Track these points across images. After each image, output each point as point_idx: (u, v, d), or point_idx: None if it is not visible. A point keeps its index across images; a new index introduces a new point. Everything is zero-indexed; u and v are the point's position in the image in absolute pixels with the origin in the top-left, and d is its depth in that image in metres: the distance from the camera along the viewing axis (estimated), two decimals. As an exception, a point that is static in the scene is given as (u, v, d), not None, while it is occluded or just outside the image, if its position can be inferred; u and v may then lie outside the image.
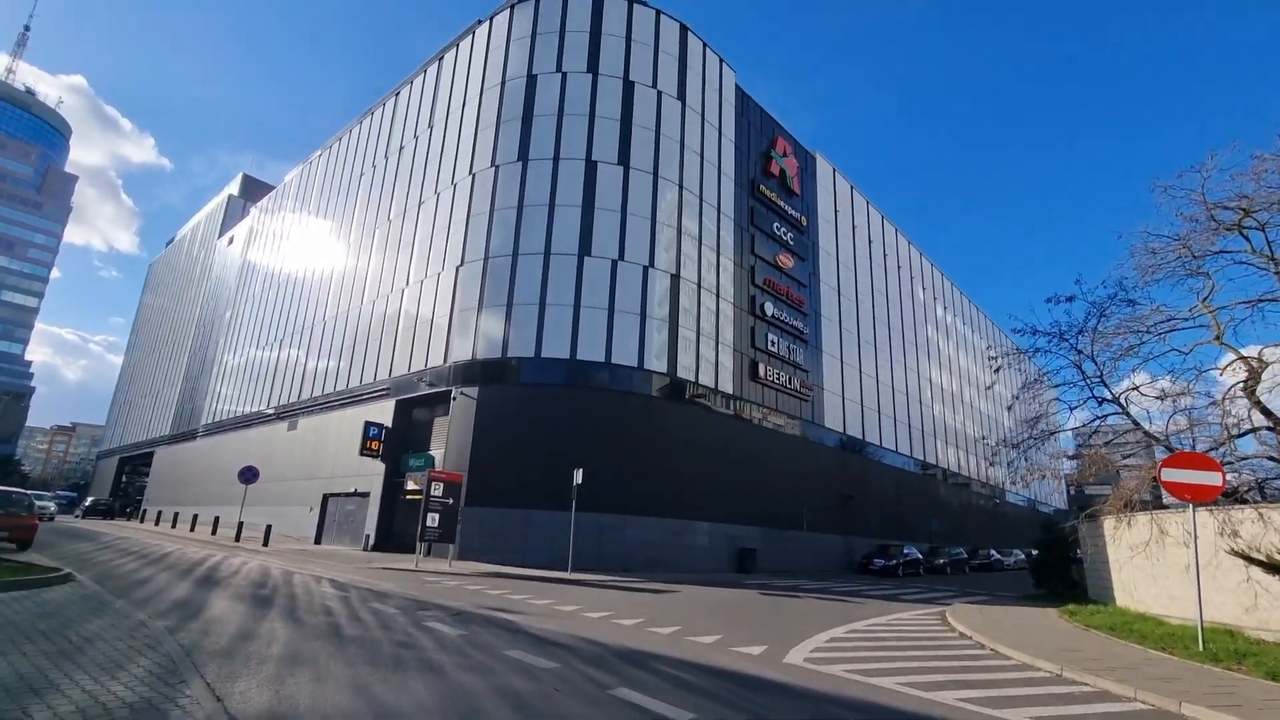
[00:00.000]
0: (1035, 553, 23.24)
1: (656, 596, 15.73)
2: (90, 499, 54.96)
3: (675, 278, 26.61)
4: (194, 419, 50.45)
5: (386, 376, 29.23)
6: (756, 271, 31.60)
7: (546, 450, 23.13)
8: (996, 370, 18.20)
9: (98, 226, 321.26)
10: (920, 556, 33.02)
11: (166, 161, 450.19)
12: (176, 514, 37.67)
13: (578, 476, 20.45)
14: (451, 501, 20.46)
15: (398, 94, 36.54)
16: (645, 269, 25.81)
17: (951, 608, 15.69)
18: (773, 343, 31.43)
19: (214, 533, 30.10)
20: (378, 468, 27.54)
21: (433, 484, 20.08)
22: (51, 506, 35.85)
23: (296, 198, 46.65)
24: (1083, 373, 17.86)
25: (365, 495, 28.00)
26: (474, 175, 27.69)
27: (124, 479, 68.53)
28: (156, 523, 38.87)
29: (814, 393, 34.04)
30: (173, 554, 19.17)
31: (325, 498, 30.77)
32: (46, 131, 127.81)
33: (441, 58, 33.12)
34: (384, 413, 28.36)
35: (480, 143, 28.04)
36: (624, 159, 26.58)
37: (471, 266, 26.34)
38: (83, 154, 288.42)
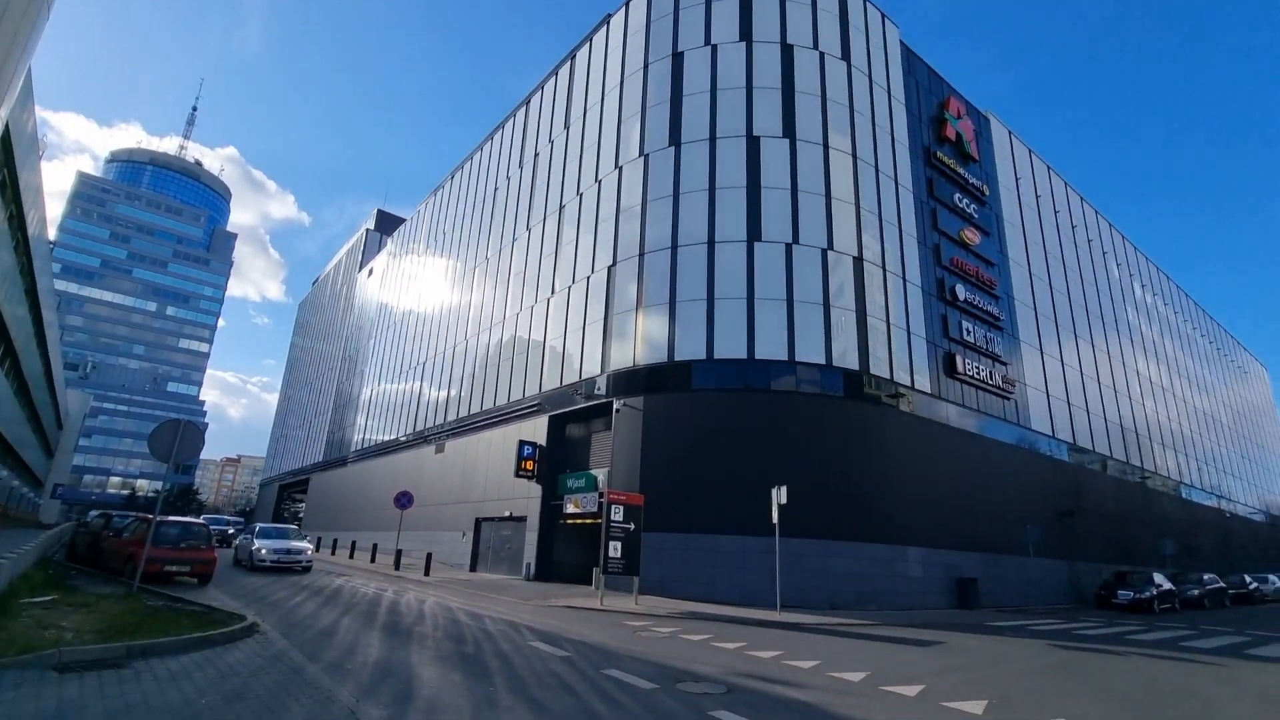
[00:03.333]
0: None
1: (928, 652, 11.96)
2: (257, 525, 58.37)
3: (858, 260, 22.80)
4: (344, 446, 52.18)
5: (537, 392, 27.42)
6: (942, 250, 27.03)
7: (728, 466, 19.98)
8: None
9: (251, 279, 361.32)
10: (1172, 587, 26.51)
11: (305, 216, 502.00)
12: (335, 540, 38.10)
13: (780, 495, 17.07)
14: (633, 527, 17.72)
15: (528, 103, 35.56)
16: (823, 252, 22.24)
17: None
18: (968, 331, 26.63)
19: (373, 560, 29.48)
20: (534, 490, 25.59)
21: (613, 507, 17.45)
22: (308, 550, 22.05)
23: (431, 223, 47.30)
24: None
25: (521, 520, 26.13)
26: (620, 168, 25.47)
27: (283, 505, 73.11)
28: (316, 549, 39.58)
29: (1016, 389, 28.64)
30: (344, 589, 17.72)
31: (478, 522, 29.37)
32: (211, 197, 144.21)
33: (573, 56, 31.61)
34: (536, 430, 26.48)
35: (625, 133, 25.84)
36: (789, 130, 23.29)
37: (625, 265, 23.95)
38: (238, 215, 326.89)
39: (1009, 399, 28.12)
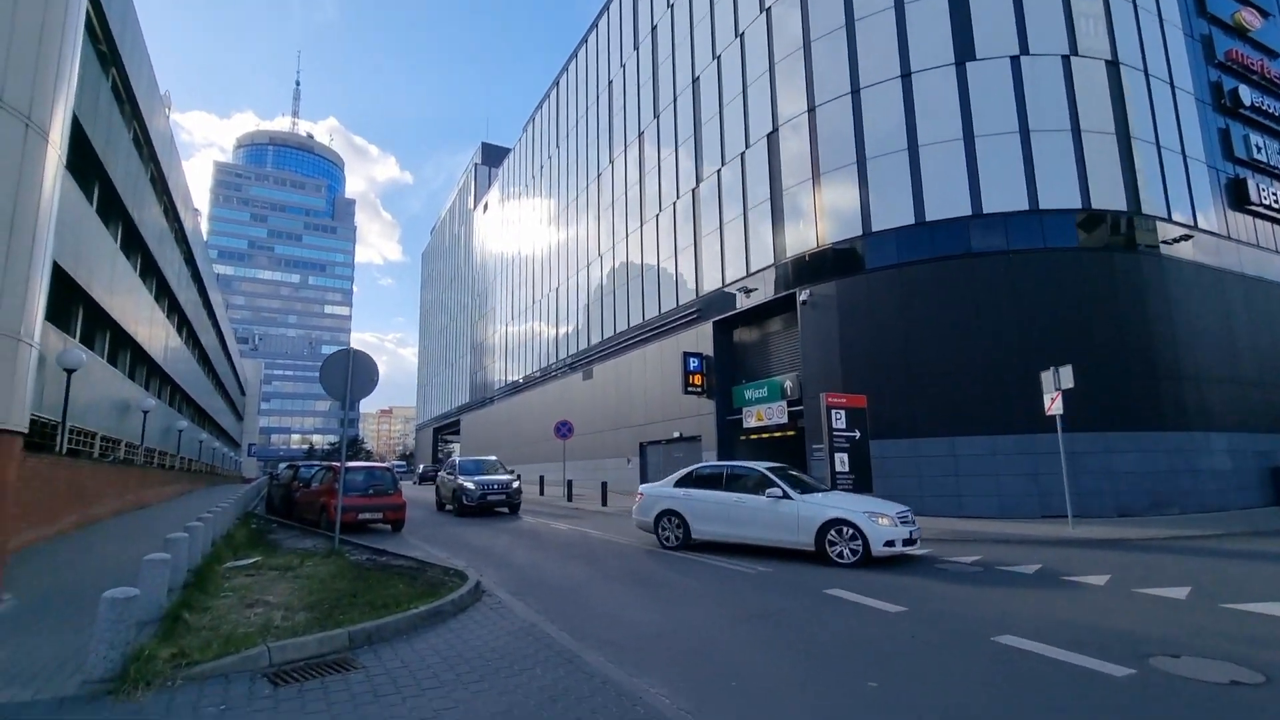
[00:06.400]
0: None
1: None
2: (421, 466, 61.99)
3: (1113, 65, 17.04)
4: (488, 385, 52.97)
5: (694, 298, 24.44)
6: (1214, 42, 20.14)
7: (960, 353, 16.06)
8: None
9: (370, 242, 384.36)
10: None
11: (408, 175, 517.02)
12: (497, 475, 38.52)
13: (1060, 379, 13.06)
14: (858, 435, 14.58)
15: (633, -29, 30.93)
16: (1064, 60, 16.74)
17: None
18: (1258, 148, 19.96)
19: (542, 493, 28.85)
20: (705, 406, 23.08)
21: (833, 413, 14.34)
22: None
23: (541, 141, 44.59)
24: None
25: (694, 440, 23.86)
26: (768, 9, 20.80)
27: (437, 446, 77.62)
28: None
29: (1324, 220, 21.63)
30: (536, 528, 16.20)
31: (642, 447, 27.62)
32: (327, 167, 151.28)
33: (681, -106, 26.42)
34: (699, 340, 23.68)
35: (768, -37, 20.96)
36: (999, -97, 17.41)
37: (791, 127, 19.75)
38: (349, 183, 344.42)
39: (1315, 233, 21.28)
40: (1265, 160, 19.93)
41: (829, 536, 9.36)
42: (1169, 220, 16.99)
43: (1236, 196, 19.19)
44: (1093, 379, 14.98)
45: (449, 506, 18.78)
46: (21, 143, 6.41)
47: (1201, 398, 16.33)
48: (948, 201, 16.67)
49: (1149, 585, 7.76)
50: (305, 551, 10.63)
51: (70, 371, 12.88)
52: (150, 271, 22.88)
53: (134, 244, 20.25)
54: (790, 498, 9.96)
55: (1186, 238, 17.03)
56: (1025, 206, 16.14)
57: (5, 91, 6.23)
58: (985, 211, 16.35)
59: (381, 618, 5.96)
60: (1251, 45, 21.15)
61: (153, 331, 23.15)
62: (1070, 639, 5.58)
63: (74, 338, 15.00)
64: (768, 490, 10.17)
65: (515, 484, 18.35)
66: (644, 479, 27.50)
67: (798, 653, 5.45)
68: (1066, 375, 12.94)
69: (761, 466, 10.81)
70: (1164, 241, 16.81)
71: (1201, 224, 17.91)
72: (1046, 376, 13.39)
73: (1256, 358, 17.98)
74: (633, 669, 4.96)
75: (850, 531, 9.21)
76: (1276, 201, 19.80)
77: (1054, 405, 13.21)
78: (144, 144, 20.59)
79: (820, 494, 10.43)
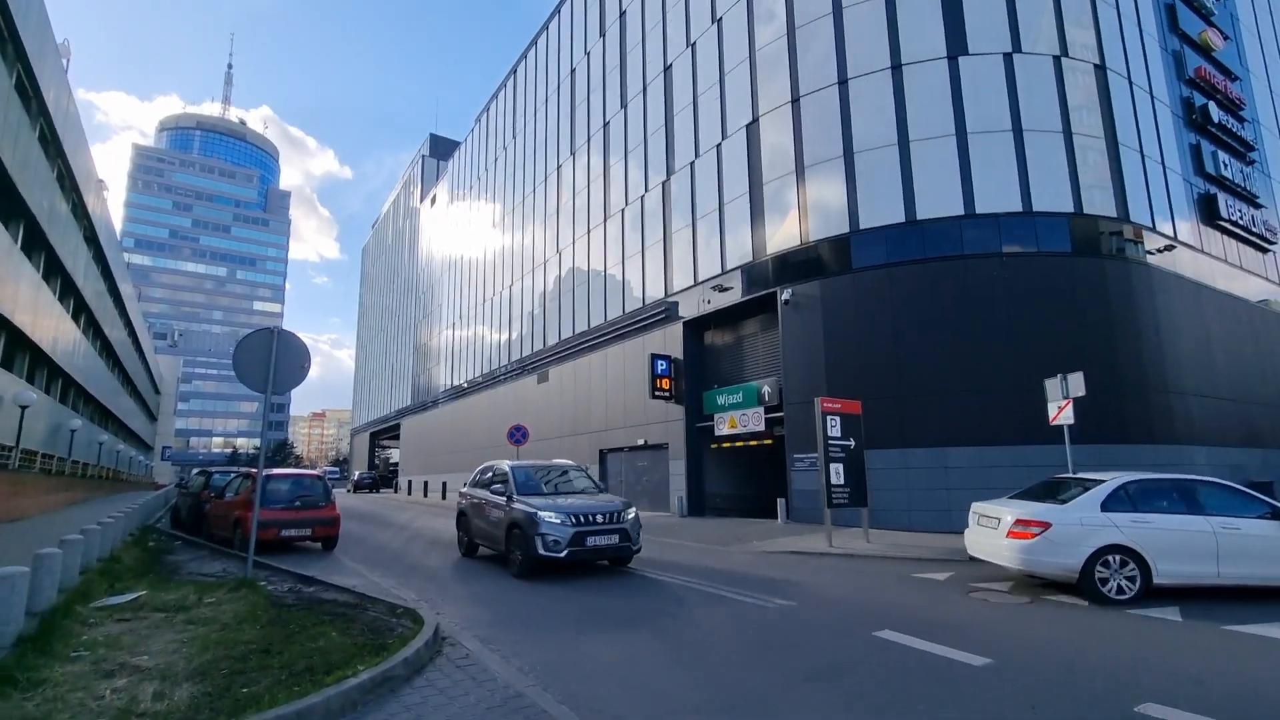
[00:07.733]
0: None
1: None
2: (357, 474, 58.09)
3: (1100, 70, 16.72)
4: (432, 387, 50.03)
5: (661, 296, 23.01)
6: (1185, 59, 20.30)
7: (951, 360, 15.25)
8: None
9: (306, 238, 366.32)
10: None
11: (348, 170, 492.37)
12: (445, 483, 36.01)
13: (1069, 386, 12.23)
14: (854, 444, 13.41)
15: (601, -45, 29.51)
16: (1056, 60, 16.28)
17: None
18: (1225, 165, 20.19)
19: (490, 503, 26.78)
20: (673, 412, 21.64)
21: (828, 419, 13.11)
22: None
23: (498, 131, 42.38)
24: None
25: (661, 448, 22.37)
26: (750, -6, 19.76)
27: (375, 452, 73.36)
28: (424, 494, 37.80)
29: (1278, 240, 22.20)
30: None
31: (603, 454, 25.93)
32: (261, 157, 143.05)
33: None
34: (667, 342, 22.27)
35: (751, -54, 19.92)
36: (992, -105, 16.90)
37: (773, 119, 18.66)
38: (284, 175, 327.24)
39: (1268, 251, 21.79)
40: (1231, 179, 20.17)
41: None
42: (1153, 230, 16.74)
43: (1208, 211, 19.30)
44: (1087, 389, 14.37)
45: (487, 550, 11.08)
46: None
47: (1187, 411, 16.04)
48: (939, 200, 15.89)
49: (1235, 621, 6.70)
50: (209, 581, 8.52)
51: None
52: (38, 246, 19.73)
53: (15, 211, 17.24)
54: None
55: (1170, 248, 16.83)
56: (1019, 208, 15.51)
57: None
58: (978, 211, 15.63)
59: (305, 695, 4.13)
60: (1216, 66, 21.51)
61: (38, 319, 19.94)
62: (1222, 708, 4.31)
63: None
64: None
65: (630, 512, 9.78)
66: (604, 488, 25.77)
67: None
68: (1077, 383, 12.10)
69: (1223, 481, 8.47)
70: (1148, 251, 16.52)
71: (1181, 236, 17.81)
72: (1052, 384, 12.55)
73: (1229, 372, 17.96)
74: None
75: None
76: (1242, 219, 20.07)
77: (1061, 414, 12.36)
78: (32, 96, 17.64)
79: None
